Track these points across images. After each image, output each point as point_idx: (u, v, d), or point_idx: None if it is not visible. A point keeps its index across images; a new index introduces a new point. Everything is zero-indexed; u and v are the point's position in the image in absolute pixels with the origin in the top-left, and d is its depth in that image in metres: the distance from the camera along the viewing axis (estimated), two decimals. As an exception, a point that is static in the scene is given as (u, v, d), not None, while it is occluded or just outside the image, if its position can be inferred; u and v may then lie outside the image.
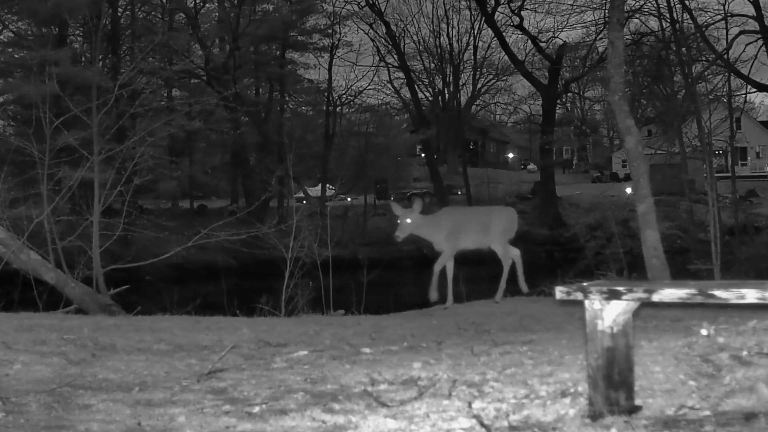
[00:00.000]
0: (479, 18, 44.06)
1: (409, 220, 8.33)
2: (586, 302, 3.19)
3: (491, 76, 51.25)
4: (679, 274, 12.35)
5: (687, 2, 23.14)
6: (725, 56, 24.21)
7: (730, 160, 32.51)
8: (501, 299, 8.90)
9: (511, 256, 8.84)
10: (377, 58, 43.90)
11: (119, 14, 33.09)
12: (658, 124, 35.33)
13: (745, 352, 4.01)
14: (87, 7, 20.70)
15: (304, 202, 31.34)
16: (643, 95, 36.58)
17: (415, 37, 56.97)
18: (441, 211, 9.36)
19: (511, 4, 39.09)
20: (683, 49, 23.10)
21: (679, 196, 26.23)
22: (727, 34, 25.56)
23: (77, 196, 13.03)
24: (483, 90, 52.72)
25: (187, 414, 3.47)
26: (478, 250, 8.97)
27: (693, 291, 3.01)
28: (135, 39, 31.72)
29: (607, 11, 22.65)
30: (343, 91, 41.52)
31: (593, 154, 71.06)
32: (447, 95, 49.08)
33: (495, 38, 41.75)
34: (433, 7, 67.78)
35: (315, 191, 37.95)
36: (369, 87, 56.04)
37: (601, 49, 34.12)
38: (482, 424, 3.12)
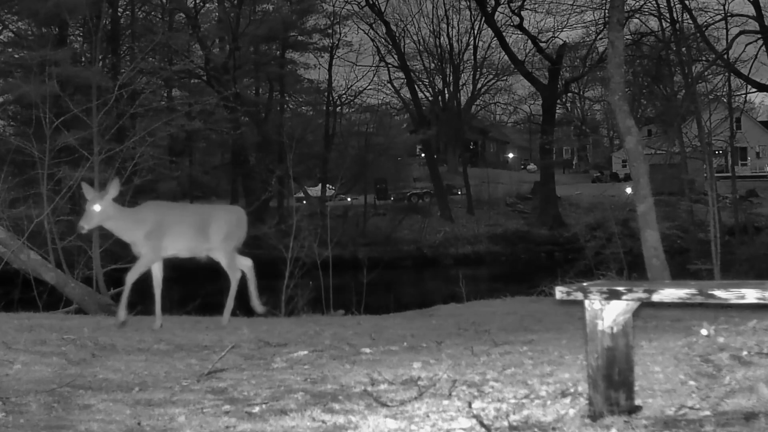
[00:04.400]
0: (479, 18, 44.09)
1: (97, 208, 6.55)
2: (586, 302, 3.19)
3: (491, 76, 51.23)
4: (679, 274, 12.37)
5: (687, 2, 23.18)
6: (725, 56, 24.21)
7: (730, 160, 32.53)
8: (263, 312, 7.46)
9: (239, 267, 7.31)
10: (377, 58, 44.00)
11: (119, 14, 33.09)
12: (658, 124, 35.37)
13: (745, 352, 4.01)
14: (87, 7, 20.66)
15: (304, 202, 31.35)
16: (643, 95, 36.63)
17: (415, 37, 57.34)
18: (144, 205, 7.42)
19: (511, 4, 39.13)
20: (683, 49, 23.12)
21: (679, 196, 26.25)
22: (727, 34, 25.58)
23: (77, 196, 13.01)
24: (483, 90, 52.69)
25: (187, 414, 3.47)
26: (196, 258, 7.33)
27: (693, 291, 3.01)
28: (135, 39, 31.70)
29: (607, 11, 22.65)
30: (343, 91, 41.60)
31: (593, 154, 71.07)
32: (447, 95, 49.04)
33: (495, 38, 41.77)
34: (433, 7, 67.97)
35: (315, 191, 37.95)
36: (369, 87, 56.40)
37: (601, 49, 34.19)
38: (482, 424, 3.12)
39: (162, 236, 6.80)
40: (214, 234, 7.09)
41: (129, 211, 7.05)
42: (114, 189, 6.62)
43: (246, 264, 7.35)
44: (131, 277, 6.77)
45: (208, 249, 7.17)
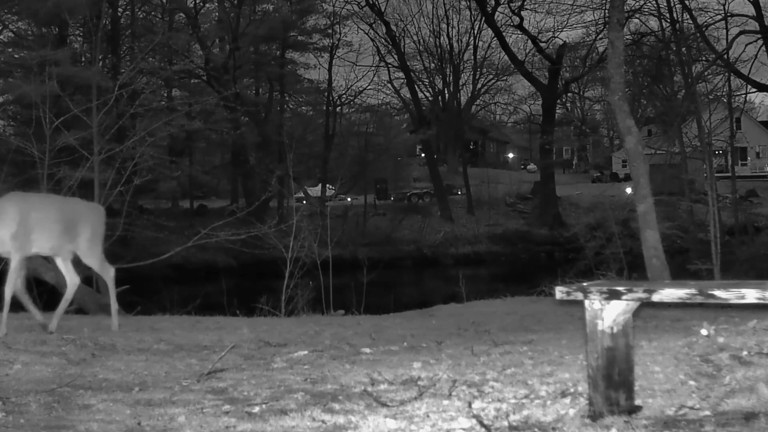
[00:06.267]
0: (479, 18, 44.09)
1: None
2: (586, 302, 3.19)
3: (491, 76, 51.22)
4: (679, 274, 12.38)
5: (687, 2, 23.18)
6: (725, 56, 24.21)
7: (730, 160, 32.54)
8: (116, 323, 6.60)
9: (100, 272, 6.65)
10: (377, 58, 44.00)
11: (119, 14, 33.08)
12: (658, 124, 35.36)
13: (745, 352, 4.02)
14: (87, 7, 20.67)
15: (304, 202, 31.34)
16: (643, 95, 36.63)
17: (415, 37, 57.21)
18: (6, 197, 6.44)
19: (511, 4, 39.09)
20: (683, 49, 23.12)
21: (679, 196, 26.25)
22: (727, 34, 25.57)
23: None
24: (483, 90, 52.69)
25: (187, 414, 3.47)
26: (54, 258, 6.71)
27: (693, 291, 3.01)
28: (135, 39, 31.69)
29: (607, 11, 22.63)
30: (343, 91, 41.62)
31: (593, 154, 71.04)
32: (447, 95, 49.04)
33: (495, 38, 41.75)
34: (433, 7, 67.83)
35: (315, 191, 37.95)
36: (369, 87, 56.38)
37: (601, 49, 34.14)
38: (482, 424, 3.12)
39: (31, 232, 6.10)
40: (81, 233, 6.41)
41: None
42: None
43: (109, 275, 6.68)
44: (8, 290, 6.05)
45: (70, 250, 6.48)
